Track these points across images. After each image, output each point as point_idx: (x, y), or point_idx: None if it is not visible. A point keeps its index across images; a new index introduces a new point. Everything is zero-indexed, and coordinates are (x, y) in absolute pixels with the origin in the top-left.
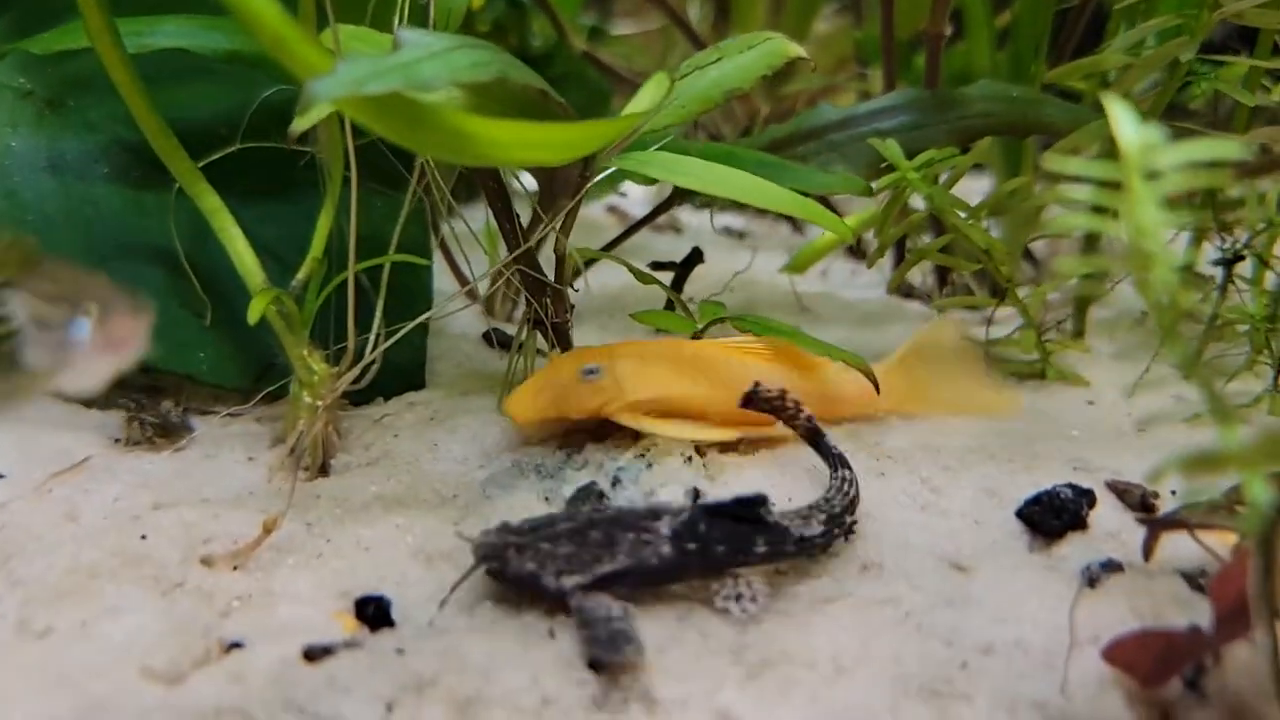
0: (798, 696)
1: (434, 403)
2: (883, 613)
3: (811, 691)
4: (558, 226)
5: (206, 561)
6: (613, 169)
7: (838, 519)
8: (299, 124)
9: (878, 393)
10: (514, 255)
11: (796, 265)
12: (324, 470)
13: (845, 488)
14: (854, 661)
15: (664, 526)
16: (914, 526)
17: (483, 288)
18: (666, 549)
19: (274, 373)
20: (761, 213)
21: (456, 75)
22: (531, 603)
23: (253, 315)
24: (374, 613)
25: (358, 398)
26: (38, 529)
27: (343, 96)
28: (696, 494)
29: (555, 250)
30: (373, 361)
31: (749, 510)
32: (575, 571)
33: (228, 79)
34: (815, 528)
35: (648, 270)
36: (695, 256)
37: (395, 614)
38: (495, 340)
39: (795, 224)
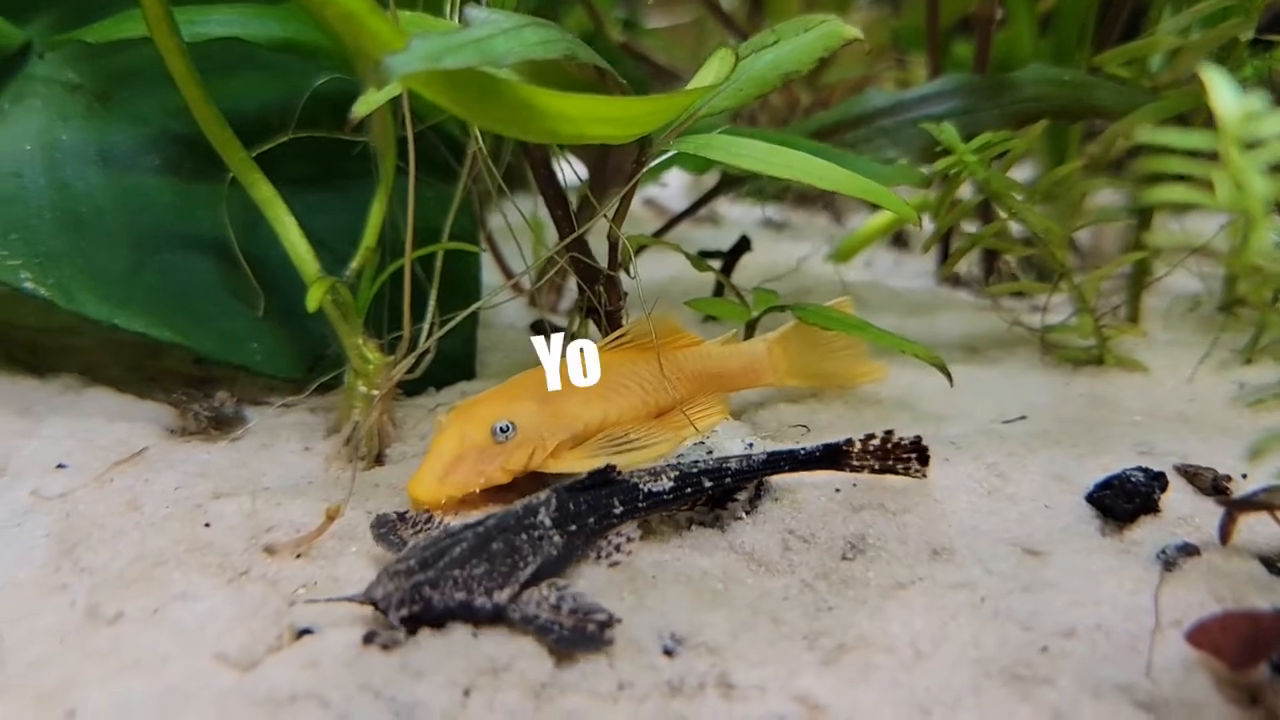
0: (878, 680)
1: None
2: (957, 597)
3: (891, 675)
4: (611, 213)
5: (270, 550)
6: (671, 152)
7: (691, 478)
8: (363, 107)
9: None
10: (566, 242)
11: (841, 254)
12: (379, 460)
13: (738, 463)
14: (932, 646)
15: (544, 518)
16: (983, 512)
17: (535, 277)
18: (558, 538)
19: (325, 364)
20: (800, 204)
21: (528, 51)
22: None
23: (311, 303)
24: None
25: (410, 388)
26: (101, 518)
27: (418, 71)
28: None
29: (609, 237)
30: (426, 351)
31: (601, 477)
32: (503, 585)
33: (277, 70)
34: (664, 484)
35: (697, 258)
36: (743, 245)
37: None
38: (545, 331)
39: (834, 215)
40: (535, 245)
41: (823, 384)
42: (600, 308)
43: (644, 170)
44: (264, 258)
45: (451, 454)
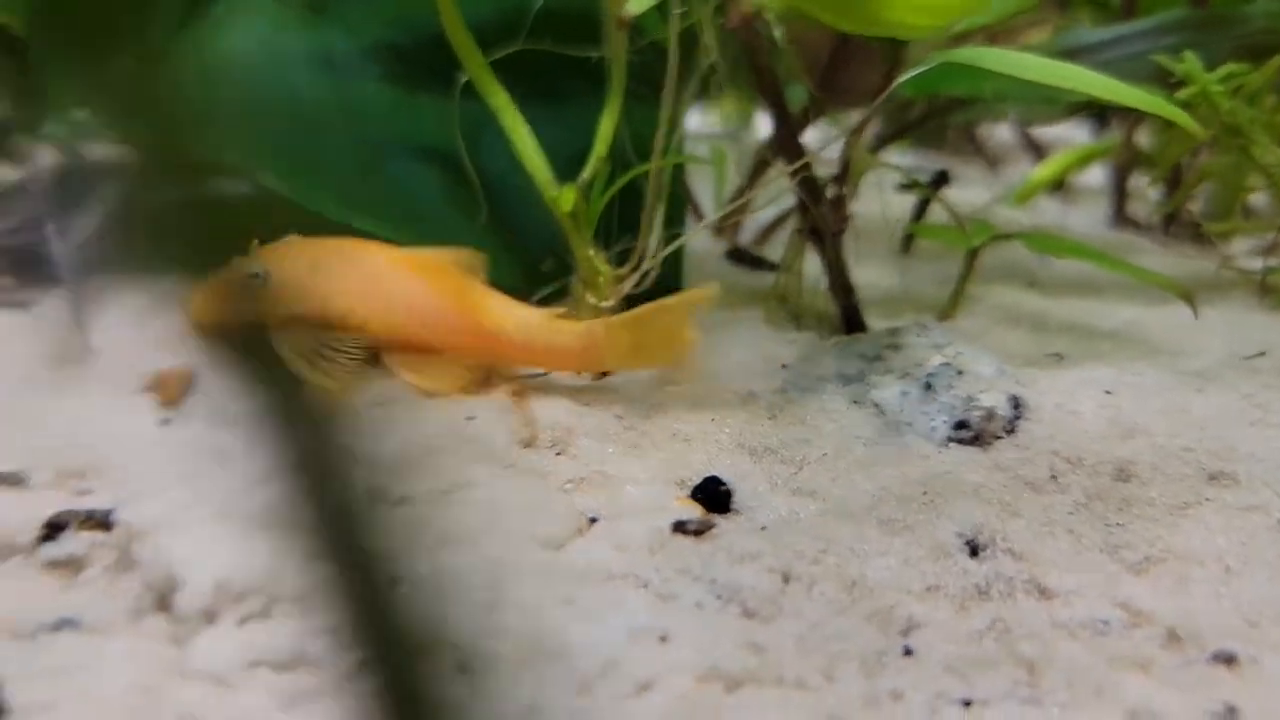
0: (1198, 591)
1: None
2: (1252, 519)
3: (1210, 587)
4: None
5: (528, 444)
6: (932, 64)
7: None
8: (637, 4)
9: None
10: (797, 166)
11: (1021, 196)
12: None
13: None
14: (1240, 562)
15: None
16: (1254, 440)
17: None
18: None
19: (542, 278)
20: (956, 153)
21: None
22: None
23: (564, 204)
24: (715, 497)
25: (627, 304)
26: (360, 408)
27: None
28: (1016, 401)
29: (844, 156)
30: (652, 266)
31: None
32: None
33: None
34: None
35: (920, 183)
36: (943, 178)
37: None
38: (745, 258)
39: (989, 163)
40: (718, 176)
41: (653, 364)
42: (825, 229)
43: (898, 82)
44: (482, 170)
45: (214, 283)
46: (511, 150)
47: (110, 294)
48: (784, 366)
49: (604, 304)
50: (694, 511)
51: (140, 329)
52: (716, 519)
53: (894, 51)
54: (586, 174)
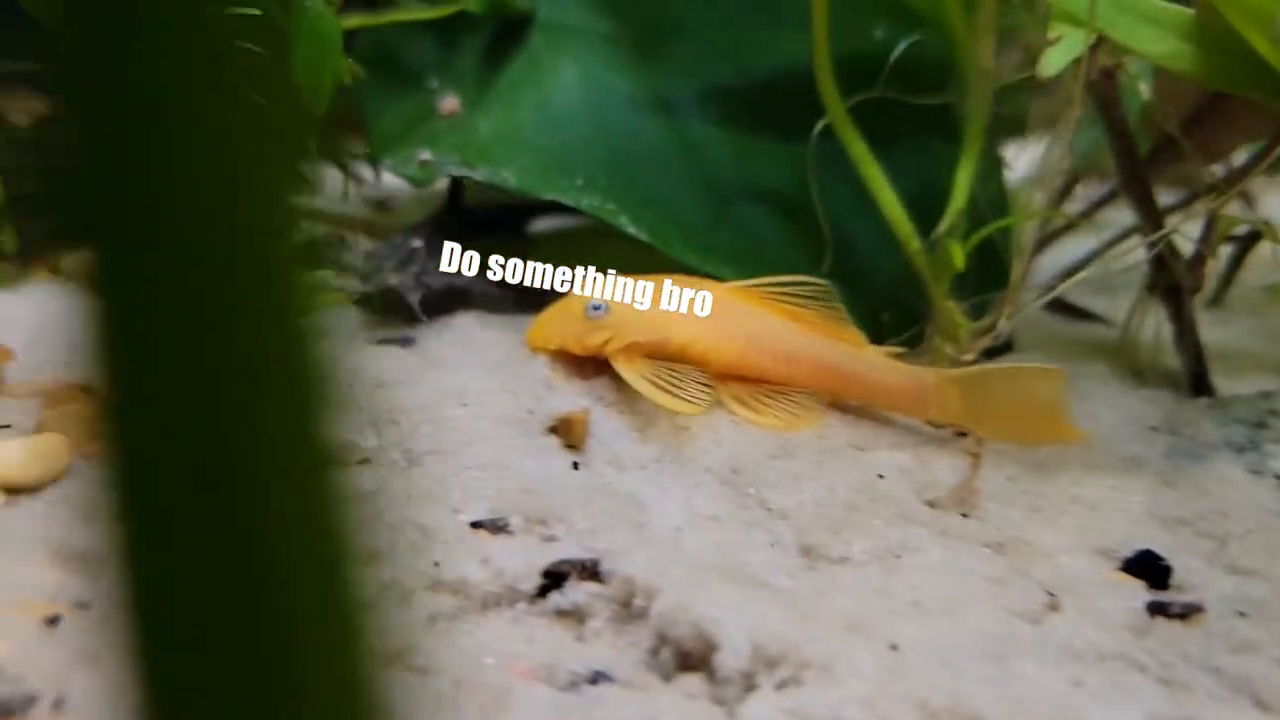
0: None
1: None
2: None
3: None
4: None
5: (934, 504)
6: None
7: None
8: (1050, 66)
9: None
10: (1165, 232)
11: None
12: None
13: None
14: None
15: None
16: None
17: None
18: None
19: (882, 328)
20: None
21: None
22: None
23: (957, 260)
24: (1155, 573)
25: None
26: (761, 461)
27: None
28: None
29: (1209, 211)
30: (1012, 321)
31: None
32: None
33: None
34: None
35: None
36: (1258, 233)
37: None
38: (1065, 308)
39: (1247, 202)
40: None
41: (1007, 437)
42: (1183, 287)
43: None
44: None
45: (554, 312)
46: (850, 197)
47: (474, 329)
48: (1153, 429)
49: (964, 356)
50: (1139, 586)
51: (532, 368)
52: (1202, 602)
53: None
54: (944, 225)
